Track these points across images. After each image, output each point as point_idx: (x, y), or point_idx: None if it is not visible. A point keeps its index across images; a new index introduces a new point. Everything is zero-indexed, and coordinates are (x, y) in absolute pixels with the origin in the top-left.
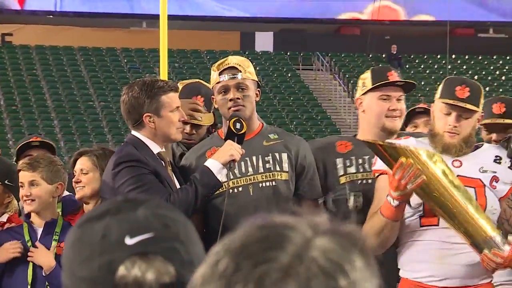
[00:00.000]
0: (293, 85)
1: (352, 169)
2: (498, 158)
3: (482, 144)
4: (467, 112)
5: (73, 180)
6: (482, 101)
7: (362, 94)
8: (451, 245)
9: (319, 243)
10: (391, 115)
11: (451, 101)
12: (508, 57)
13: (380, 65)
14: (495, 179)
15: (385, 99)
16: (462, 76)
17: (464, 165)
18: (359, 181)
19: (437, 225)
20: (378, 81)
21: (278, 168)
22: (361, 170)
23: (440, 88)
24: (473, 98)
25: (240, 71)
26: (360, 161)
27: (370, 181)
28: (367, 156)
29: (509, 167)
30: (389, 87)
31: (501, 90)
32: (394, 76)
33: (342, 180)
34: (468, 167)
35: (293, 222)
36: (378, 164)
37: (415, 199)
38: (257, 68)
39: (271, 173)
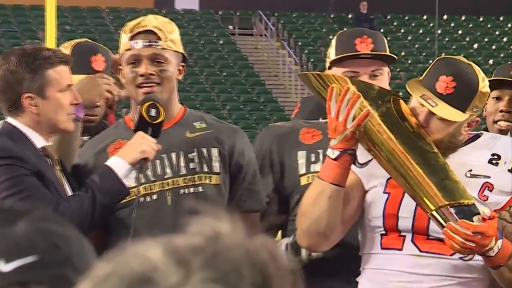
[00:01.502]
0: (226, 56)
1: (317, 167)
2: (495, 157)
3: (481, 134)
4: None
5: None
6: (477, 103)
7: (328, 69)
8: (419, 277)
9: None
10: None
11: (421, 100)
12: None
13: (345, 29)
14: (487, 186)
15: (352, 77)
16: (459, 60)
17: None
18: None
19: (401, 249)
20: (342, 52)
21: (206, 169)
22: None
23: (428, 69)
24: (457, 98)
25: (160, 38)
26: None
27: None
28: None
29: (509, 170)
30: (358, 60)
31: (509, 62)
32: (365, 44)
33: (303, 180)
34: None
35: (155, 262)
36: None
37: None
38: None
39: (196, 176)
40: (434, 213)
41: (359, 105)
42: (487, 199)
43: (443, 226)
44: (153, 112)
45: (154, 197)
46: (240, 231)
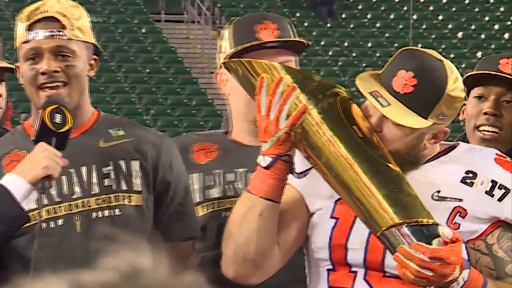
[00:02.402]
0: (150, 48)
1: (215, 193)
2: (470, 175)
3: (457, 144)
4: None
5: None
6: (444, 110)
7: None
8: None
9: None
10: None
11: (369, 97)
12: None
13: (298, 14)
14: (459, 211)
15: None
16: (427, 53)
17: None
18: (227, 213)
19: None
20: (242, 43)
21: (124, 187)
22: (231, 194)
23: (389, 61)
24: (417, 99)
25: (64, 26)
26: (230, 177)
27: None
28: (243, 169)
29: (487, 191)
30: (262, 51)
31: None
32: (269, 31)
33: (200, 211)
34: None
35: None
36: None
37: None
38: (90, 20)
39: (112, 195)
40: (386, 233)
41: (294, 99)
42: (458, 227)
43: (395, 251)
44: (57, 118)
45: (60, 222)
46: (164, 266)
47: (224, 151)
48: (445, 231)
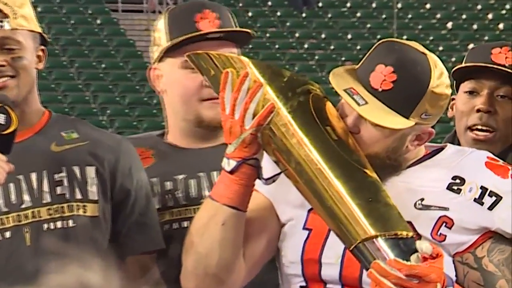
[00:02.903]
0: (106, 41)
1: (154, 203)
2: (457, 181)
3: (445, 146)
4: None
5: None
6: (427, 108)
7: (159, 61)
8: None
9: None
10: (212, 96)
11: (344, 94)
12: None
13: (270, 3)
14: (445, 221)
15: (193, 68)
16: (408, 45)
17: None
18: (167, 226)
19: None
20: (180, 34)
21: (79, 195)
22: (171, 204)
23: (366, 55)
24: (397, 96)
25: (7, 15)
26: (169, 185)
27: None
28: (182, 176)
29: (476, 199)
30: (203, 43)
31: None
32: (209, 21)
33: None
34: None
35: None
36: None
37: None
38: (38, 9)
39: (65, 205)
40: (360, 246)
41: (261, 96)
42: (444, 239)
43: (369, 267)
44: (1, 118)
45: (7, 234)
46: (115, 283)
47: (160, 157)
48: (424, 246)
